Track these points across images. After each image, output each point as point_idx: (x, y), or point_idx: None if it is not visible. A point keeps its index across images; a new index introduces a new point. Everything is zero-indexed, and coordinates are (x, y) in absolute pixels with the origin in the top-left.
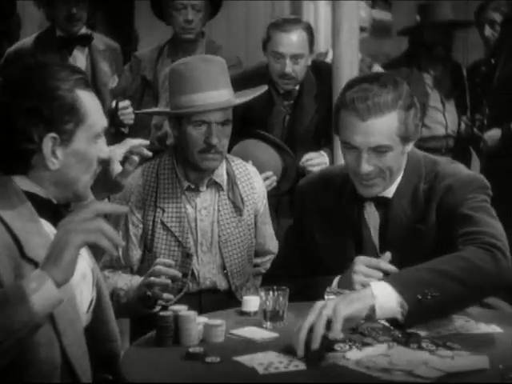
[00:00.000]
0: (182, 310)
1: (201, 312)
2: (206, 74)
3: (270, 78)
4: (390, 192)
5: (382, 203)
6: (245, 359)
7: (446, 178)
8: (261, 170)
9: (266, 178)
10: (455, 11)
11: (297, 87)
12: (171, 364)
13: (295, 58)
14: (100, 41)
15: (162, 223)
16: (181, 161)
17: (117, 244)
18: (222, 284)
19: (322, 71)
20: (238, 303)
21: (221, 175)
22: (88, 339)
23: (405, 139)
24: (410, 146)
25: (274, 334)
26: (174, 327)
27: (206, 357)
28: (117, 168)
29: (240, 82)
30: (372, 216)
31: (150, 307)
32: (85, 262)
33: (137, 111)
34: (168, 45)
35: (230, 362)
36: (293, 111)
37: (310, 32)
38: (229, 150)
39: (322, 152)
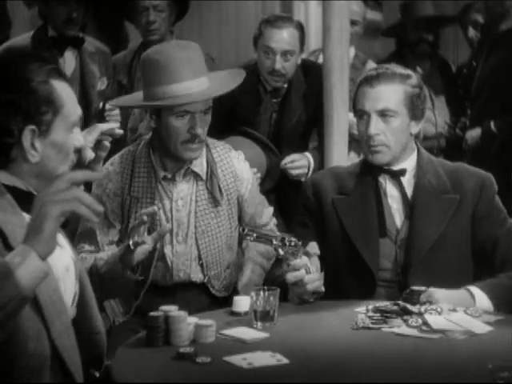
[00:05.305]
0: (173, 310)
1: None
2: (184, 62)
3: (258, 75)
4: (407, 165)
5: (397, 175)
6: (235, 359)
7: (475, 174)
8: None
9: None
10: (440, 8)
11: (285, 85)
12: (162, 364)
13: (285, 54)
14: (90, 43)
15: (137, 213)
16: (157, 150)
17: (96, 210)
18: (197, 276)
19: (311, 71)
20: (213, 297)
21: (200, 164)
22: (74, 332)
23: (411, 114)
24: (418, 127)
25: (265, 334)
26: (165, 327)
27: (196, 357)
28: (89, 155)
29: None
30: (389, 187)
31: (132, 268)
32: (67, 255)
33: (114, 103)
34: (139, 48)
35: (220, 363)
36: (280, 109)
37: (302, 30)
38: None
39: (307, 153)
